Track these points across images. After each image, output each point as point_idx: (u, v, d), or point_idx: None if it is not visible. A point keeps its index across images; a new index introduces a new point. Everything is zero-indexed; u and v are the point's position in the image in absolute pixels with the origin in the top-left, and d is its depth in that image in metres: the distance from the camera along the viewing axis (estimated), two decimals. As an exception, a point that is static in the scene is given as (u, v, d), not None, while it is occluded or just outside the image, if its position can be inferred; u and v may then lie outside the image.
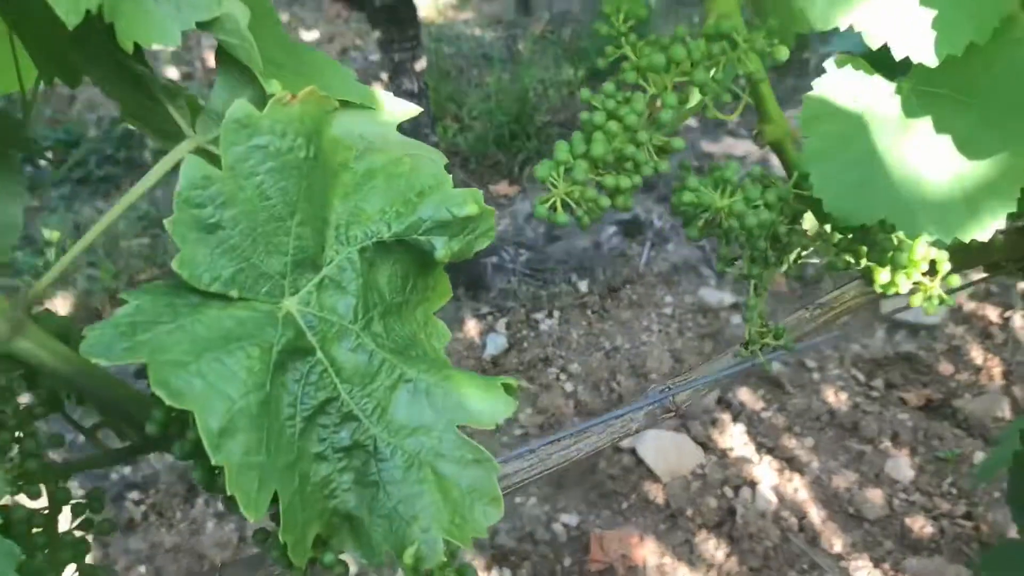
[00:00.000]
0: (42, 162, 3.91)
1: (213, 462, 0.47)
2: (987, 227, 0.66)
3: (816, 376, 3.11)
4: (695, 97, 0.68)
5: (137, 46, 0.52)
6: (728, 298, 3.49)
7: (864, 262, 0.74)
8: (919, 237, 0.73)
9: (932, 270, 0.79)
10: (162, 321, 0.51)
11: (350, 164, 0.62)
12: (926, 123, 0.66)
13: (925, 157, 0.66)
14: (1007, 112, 0.65)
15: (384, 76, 3.46)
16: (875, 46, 0.61)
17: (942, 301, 0.78)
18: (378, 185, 0.62)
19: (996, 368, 3.04)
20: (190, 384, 0.48)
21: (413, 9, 3.33)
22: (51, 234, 3.80)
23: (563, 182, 0.61)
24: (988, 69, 0.65)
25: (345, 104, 0.63)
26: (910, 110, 0.67)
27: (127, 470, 2.83)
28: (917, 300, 0.78)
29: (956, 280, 0.78)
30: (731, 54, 0.65)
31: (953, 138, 0.66)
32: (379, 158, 0.63)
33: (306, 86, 0.56)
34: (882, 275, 0.76)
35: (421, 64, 3.41)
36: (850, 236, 0.73)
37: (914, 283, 0.78)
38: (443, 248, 0.62)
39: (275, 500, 0.51)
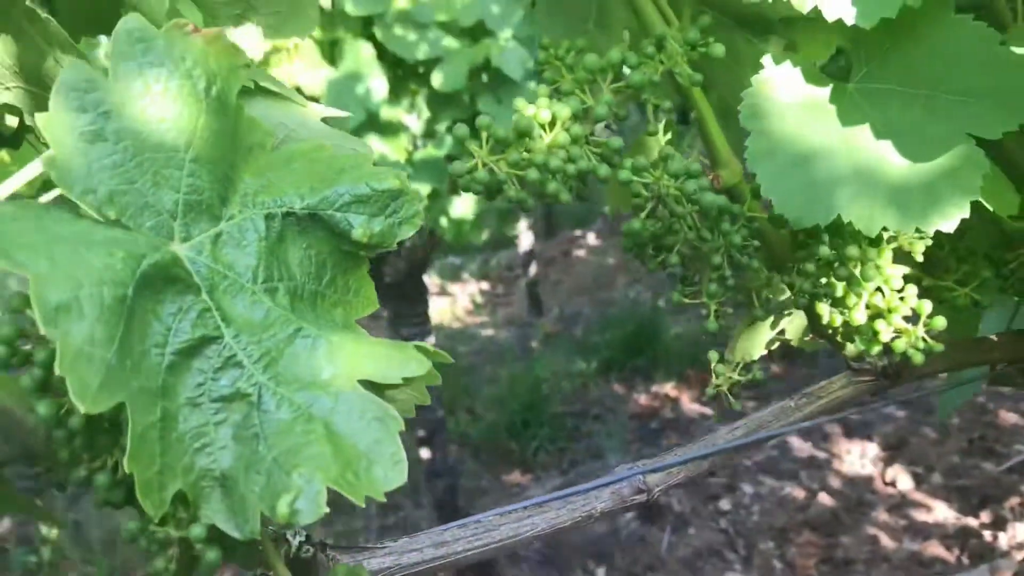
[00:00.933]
0: None
1: (42, 331, 0.40)
2: (952, 217, 0.61)
3: None
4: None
5: None
6: (755, 578, 3.25)
7: (838, 289, 0.68)
8: (881, 237, 0.67)
9: (914, 315, 0.72)
10: (20, 219, 0.46)
11: (267, 146, 0.59)
12: (874, 118, 0.64)
13: (877, 151, 0.63)
14: (956, 100, 0.63)
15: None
16: (805, 10, 0.60)
17: (927, 345, 0.70)
18: (297, 167, 0.59)
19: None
20: (34, 258, 0.43)
21: (422, 286, 3.43)
22: None
23: (486, 152, 0.58)
24: (932, 57, 0.63)
25: (265, 91, 0.62)
26: (856, 106, 0.64)
27: None
28: (901, 346, 0.70)
29: (941, 323, 0.71)
30: (664, 56, 0.64)
31: (904, 132, 0.63)
32: (302, 145, 0.60)
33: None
34: (857, 315, 0.70)
35: (430, 340, 3.46)
36: (818, 260, 0.67)
37: (896, 330, 0.71)
38: (361, 227, 0.57)
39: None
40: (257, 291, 0.53)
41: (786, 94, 0.64)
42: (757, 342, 0.82)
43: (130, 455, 0.43)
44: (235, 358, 0.49)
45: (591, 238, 7.42)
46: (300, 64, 3.15)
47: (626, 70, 0.64)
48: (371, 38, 3.13)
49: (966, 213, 0.61)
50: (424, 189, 3.13)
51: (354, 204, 0.57)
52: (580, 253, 7.18)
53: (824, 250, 0.66)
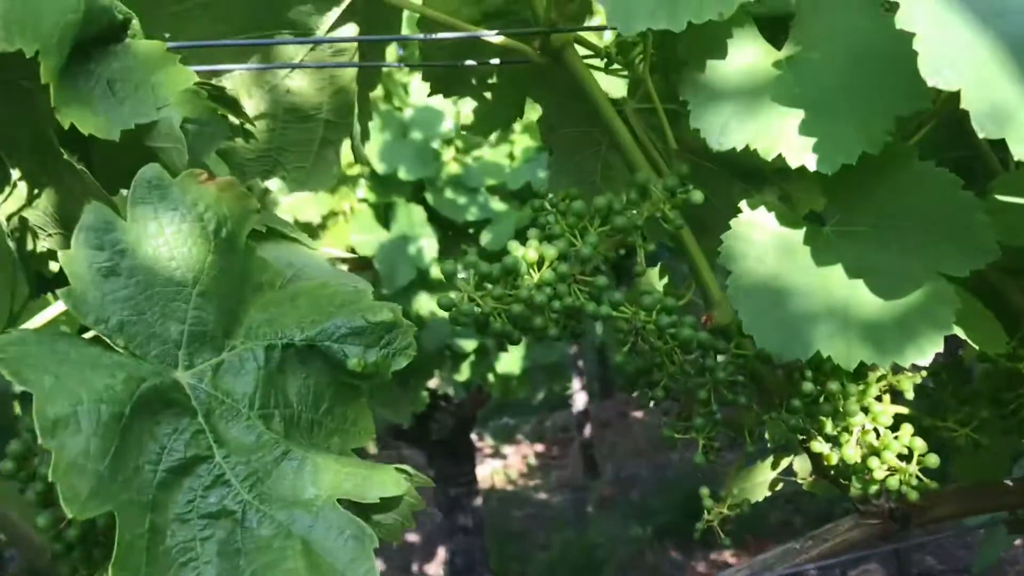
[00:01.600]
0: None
1: (39, 441, 0.44)
2: (926, 352, 0.63)
3: None
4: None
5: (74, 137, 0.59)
6: None
7: (827, 426, 0.69)
8: (864, 373, 0.69)
9: (909, 454, 0.73)
10: (36, 343, 0.51)
11: (276, 285, 0.64)
12: (849, 258, 0.67)
13: (852, 289, 0.66)
14: (925, 238, 0.66)
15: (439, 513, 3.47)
16: (770, 158, 0.64)
17: (921, 483, 0.71)
18: (301, 303, 0.63)
19: None
20: (40, 376, 0.47)
21: (470, 444, 3.44)
22: None
23: (474, 287, 0.62)
24: (901, 202, 0.67)
25: (276, 234, 0.67)
26: (832, 247, 0.67)
27: None
28: (894, 484, 0.71)
29: (935, 460, 0.71)
30: (647, 205, 0.69)
31: (877, 271, 0.66)
32: (307, 283, 0.65)
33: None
34: (849, 451, 0.71)
35: (477, 500, 3.43)
36: (803, 396, 0.69)
37: (889, 468, 0.72)
38: (356, 357, 0.61)
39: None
40: (252, 416, 0.56)
41: (763, 236, 0.68)
42: (758, 483, 0.82)
43: (115, 563, 0.46)
44: (223, 477, 0.53)
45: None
46: (356, 226, 3.30)
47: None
48: (422, 202, 3.27)
49: (940, 347, 0.63)
50: (470, 345, 3.19)
51: (350, 336, 0.61)
52: (637, 414, 7.12)
53: (808, 386, 0.68)
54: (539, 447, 6.84)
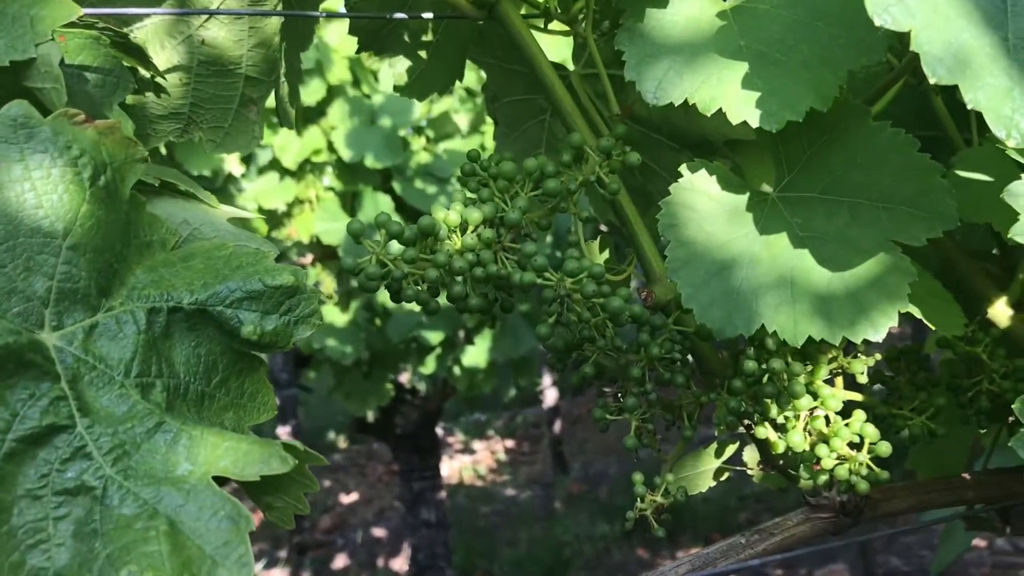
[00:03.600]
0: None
1: None
2: (879, 326, 0.58)
3: None
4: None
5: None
6: None
7: (772, 409, 0.64)
8: (812, 354, 0.64)
9: (860, 442, 0.68)
10: None
11: (168, 245, 0.58)
12: (797, 226, 0.62)
13: (800, 260, 0.61)
14: (879, 207, 0.61)
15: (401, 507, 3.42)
16: (709, 113, 0.59)
17: (872, 473, 0.66)
18: (194, 265, 0.57)
19: None
20: None
21: (435, 438, 3.38)
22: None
23: (383, 250, 0.56)
24: (853, 165, 0.62)
25: (172, 189, 0.61)
26: (778, 215, 0.62)
27: None
28: (843, 473, 0.66)
29: (887, 448, 0.66)
30: (583, 168, 0.63)
31: (827, 240, 0.61)
32: (203, 243, 0.59)
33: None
34: (795, 438, 0.65)
35: (441, 494, 3.38)
36: (745, 376, 0.64)
37: (838, 456, 0.67)
38: (251, 324, 0.55)
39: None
40: (127, 385, 0.50)
41: (705, 202, 0.63)
42: (702, 472, 0.77)
43: (-62, 544, 0.40)
44: (85, 449, 0.47)
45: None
46: (321, 214, 3.23)
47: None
48: (390, 191, 3.21)
49: (894, 322, 0.58)
50: (436, 337, 3.13)
51: (245, 300, 0.56)
52: (608, 412, 7.08)
53: (750, 364, 0.62)
54: (509, 443, 6.79)
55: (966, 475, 0.83)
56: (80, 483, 0.46)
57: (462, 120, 3.49)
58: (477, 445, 6.73)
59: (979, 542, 3.76)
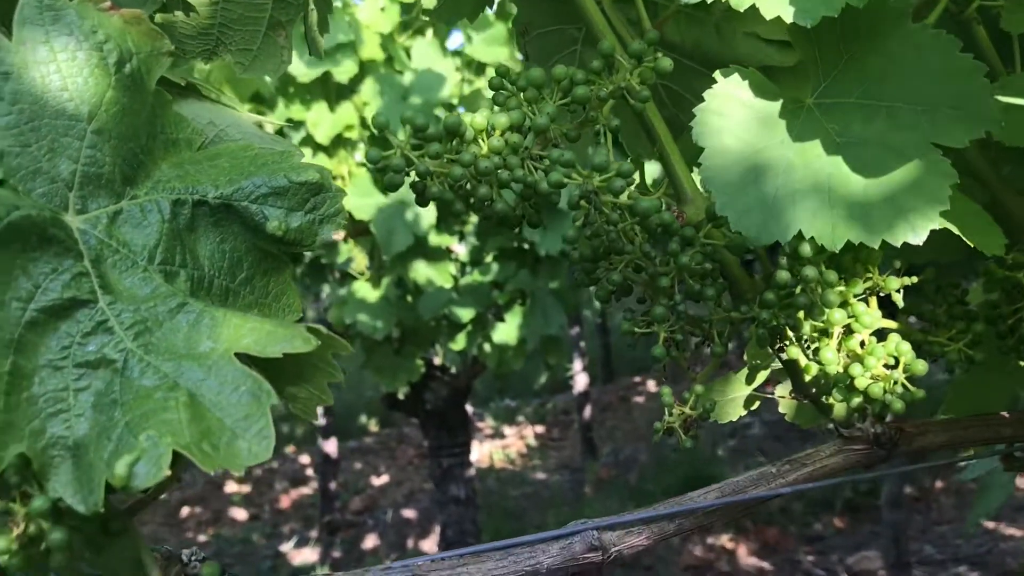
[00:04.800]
0: None
1: None
2: (919, 229, 0.56)
3: None
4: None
5: None
6: None
7: (806, 328, 0.62)
8: (845, 264, 0.62)
9: (895, 363, 0.66)
10: None
11: (194, 144, 0.58)
12: (834, 132, 0.60)
13: (837, 165, 0.59)
14: (918, 110, 0.59)
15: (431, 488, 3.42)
16: (742, 8, 0.58)
17: (908, 392, 0.64)
18: (220, 163, 0.57)
19: None
20: None
21: (464, 415, 3.38)
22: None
23: (411, 148, 0.55)
24: (892, 68, 0.60)
25: (198, 91, 0.61)
26: (815, 121, 0.61)
27: None
28: (877, 391, 0.64)
29: (923, 367, 0.65)
30: (613, 77, 0.62)
31: (865, 145, 0.59)
32: (230, 144, 0.59)
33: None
34: (827, 354, 0.64)
35: (470, 471, 3.38)
36: (777, 288, 0.62)
37: (872, 376, 0.65)
38: (276, 220, 0.55)
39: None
40: (150, 270, 0.50)
41: (739, 110, 0.61)
42: (732, 399, 0.76)
43: (-40, 399, 0.40)
44: (106, 323, 0.46)
45: (651, 384, 7.29)
46: (353, 190, 3.23)
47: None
48: (421, 166, 3.20)
49: (935, 224, 0.56)
50: (468, 315, 3.13)
51: (271, 196, 0.55)
52: (639, 399, 7.06)
53: (783, 274, 0.61)
54: (539, 429, 6.78)
55: (1004, 413, 0.81)
56: (101, 356, 0.46)
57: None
58: (507, 430, 6.74)
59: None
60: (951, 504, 4.50)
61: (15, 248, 0.45)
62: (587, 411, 5.70)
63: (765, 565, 4.28)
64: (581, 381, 5.70)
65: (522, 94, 0.63)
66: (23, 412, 0.43)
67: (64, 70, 0.50)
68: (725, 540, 4.56)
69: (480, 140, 0.59)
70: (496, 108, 0.64)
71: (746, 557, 4.41)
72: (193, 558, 0.55)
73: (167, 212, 0.53)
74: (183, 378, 0.45)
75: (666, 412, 0.63)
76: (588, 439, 5.73)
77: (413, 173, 0.57)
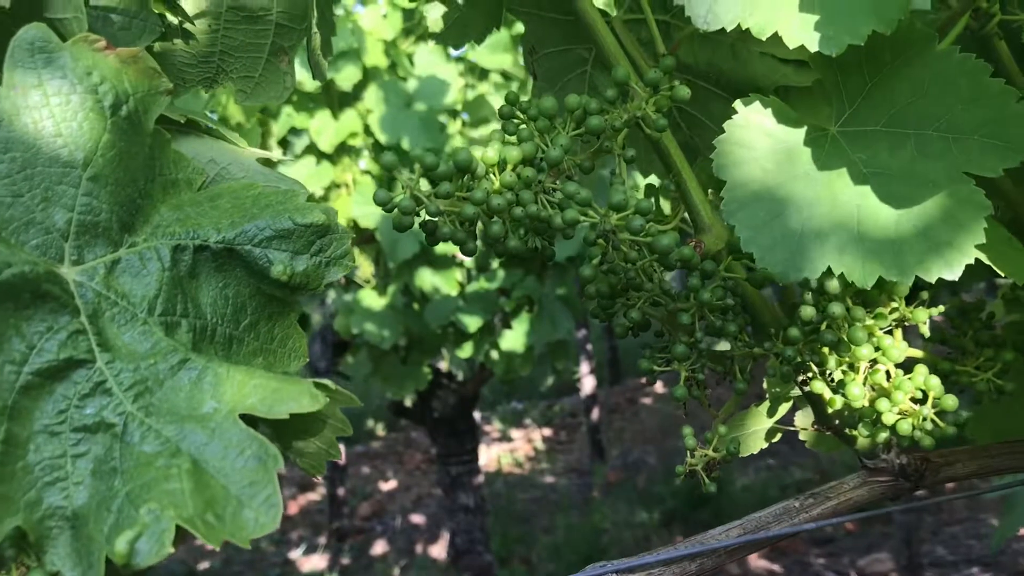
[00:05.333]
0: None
1: None
2: (954, 264, 0.54)
3: None
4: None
5: None
6: None
7: (830, 361, 0.60)
8: (872, 298, 0.60)
9: (923, 397, 0.64)
10: None
11: (195, 184, 0.56)
12: (860, 162, 0.58)
13: (863, 198, 0.57)
14: (949, 138, 0.56)
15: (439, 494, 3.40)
16: (764, 37, 0.55)
17: (937, 428, 0.62)
18: (222, 204, 0.55)
19: None
20: None
21: (472, 422, 3.36)
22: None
23: (418, 181, 0.53)
24: (920, 94, 0.58)
25: (198, 127, 0.59)
26: (840, 151, 0.58)
27: None
28: (905, 428, 0.62)
29: (953, 402, 0.62)
30: (628, 106, 0.60)
31: (892, 176, 0.57)
32: (231, 184, 0.57)
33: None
34: (855, 390, 0.62)
35: (479, 479, 3.36)
36: (802, 324, 0.60)
37: (900, 411, 0.63)
38: (281, 264, 0.53)
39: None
40: (150, 323, 0.48)
41: (761, 139, 0.59)
42: (752, 432, 0.73)
43: (-50, 475, 0.38)
44: (105, 384, 0.44)
45: (658, 386, 7.27)
46: (358, 198, 3.21)
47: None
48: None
49: (970, 258, 0.54)
50: (475, 323, 3.11)
51: (275, 240, 0.53)
52: (646, 401, 7.03)
53: (808, 310, 0.59)
54: (547, 432, 6.76)
55: (1035, 439, 0.78)
56: (100, 419, 0.43)
57: (498, 104, 3.45)
58: (515, 434, 6.71)
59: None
60: (962, 505, 4.47)
61: (7, 307, 0.43)
62: (595, 413, 5.68)
63: (776, 568, 4.26)
64: (588, 383, 5.68)
65: (533, 123, 0.61)
66: (18, 482, 0.41)
67: (58, 115, 0.48)
68: (735, 543, 4.53)
69: (492, 175, 0.56)
70: (507, 138, 0.62)
71: (756, 560, 4.38)
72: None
73: (167, 259, 0.51)
74: (185, 442, 0.43)
75: (688, 455, 0.60)
76: (596, 442, 5.70)
77: (423, 213, 0.55)
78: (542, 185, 0.58)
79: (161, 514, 0.40)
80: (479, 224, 0.56)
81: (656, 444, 5.97)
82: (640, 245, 0.56)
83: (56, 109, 0.48)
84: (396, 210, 0.54)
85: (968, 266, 0.72)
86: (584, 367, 5.65)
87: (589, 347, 5.69)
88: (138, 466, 0.42)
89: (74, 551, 0.41)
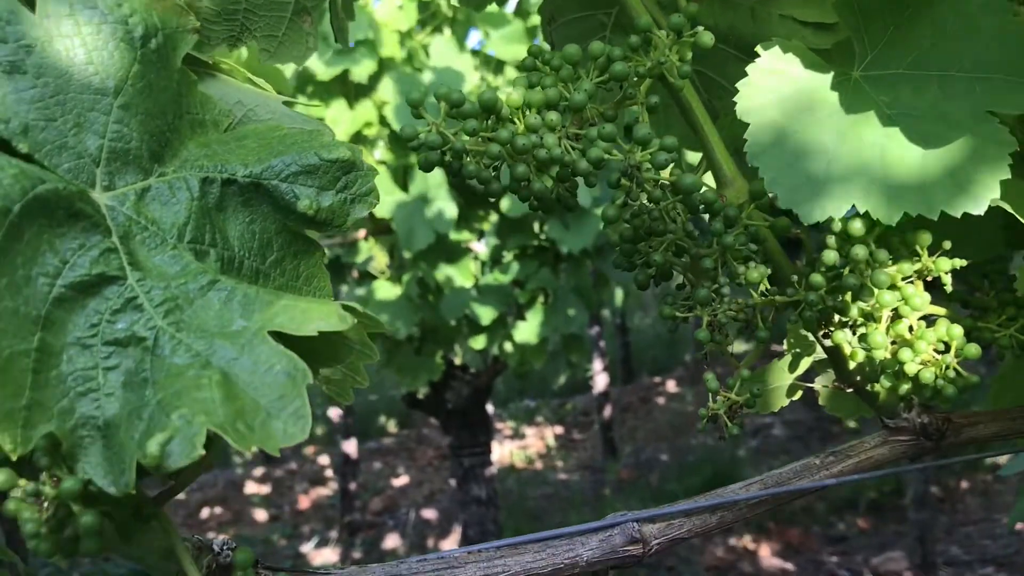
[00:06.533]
0: None
1: None
2: (980, 199, 0.54)
3: None
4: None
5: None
6: None
7: (853, 312, 0.60)
8: (894, 242, 0.60)
9: (946, 348, 0.64)
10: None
11: (222, 126, 0.56)
12: (885, 104, 0.58)
13: (888, 139, 0.57)
14: (972, 78, 0.57)
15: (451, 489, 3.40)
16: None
17: (960, 378, 0.62)
18: (248, 144, 0.55)
19: None
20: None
21: (485, 414, 3.36)
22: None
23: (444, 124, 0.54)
24: (942, 36, 0.58)
25: (224, 71, 0.59)
26: (863, 93, 0.59)
27: None
28: (928, 377, 0.62)
29: (976, 350, 0.62)
30: (651, 53, 0.60)
31: (918, 116, 0.57)
32: (258, 125, 0.57)
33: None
34: (876, 338, 0.62)
35: (491, 471, 3.36)
36: (824, 270, 0.60)
37: (923, 361, 0.63)
38: (307, 199, 0.53)
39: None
40: (180, 248, 0.49)
41: (784, 84, 0.59)
42: (774, 389, 0.73)
43: (-12, 377, 0.39)
44: (136, 300, 0.45)
45: (671, 385, 7.26)
46: (373, 189, 3.22)
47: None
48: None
49: (996, 193, 0.54)
50: (489, 315, 3.11)
51: (301, 175, 0.53)
52: (659, 400, 7.02)
53: (830, 255, 0.59)
54: (559, 429, 6.76)
55: (1057, 402, 0.78)
56: (131, 334, 0.44)
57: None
58: (527, 431, 6.71)
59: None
60: (977, 504, 4.45)
61: (42, 223, 0.44)
62: (607, 411, 5.67)
63: (788, 566, 4.24)
64: (601, 381, 5.67)
65: (557, 72, 0.61)
66: (52, 390, 0.42)
67: (89, 44, 0.49)
68: (747, 540, 4.52)
69: (516, 118, 0.57)
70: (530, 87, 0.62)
71: (769, 558, 4.37)
72: (225, 547, 0.53)
73: (196, 190, 0.51)
74: (216, 357, 0.44)
75: (710, 399, 0.61)
76: (608, 439, 5.70)
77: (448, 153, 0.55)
78: (566, 131, 0.59)
79: (192, 419, 0.40)
80: (504, 167, 0.57)
81: (669, 442, 5.96)
82: (664, 185, 0.56)
83: (88, 38, 0.49)
84: (422, 146, 0.54)
85: (984, 237, 0.72)
86: (597, 364, 5.65)
87: (602, 344, 5.68)
88: (169, 376, 0.43)
89: (105, 460, 0.42)
